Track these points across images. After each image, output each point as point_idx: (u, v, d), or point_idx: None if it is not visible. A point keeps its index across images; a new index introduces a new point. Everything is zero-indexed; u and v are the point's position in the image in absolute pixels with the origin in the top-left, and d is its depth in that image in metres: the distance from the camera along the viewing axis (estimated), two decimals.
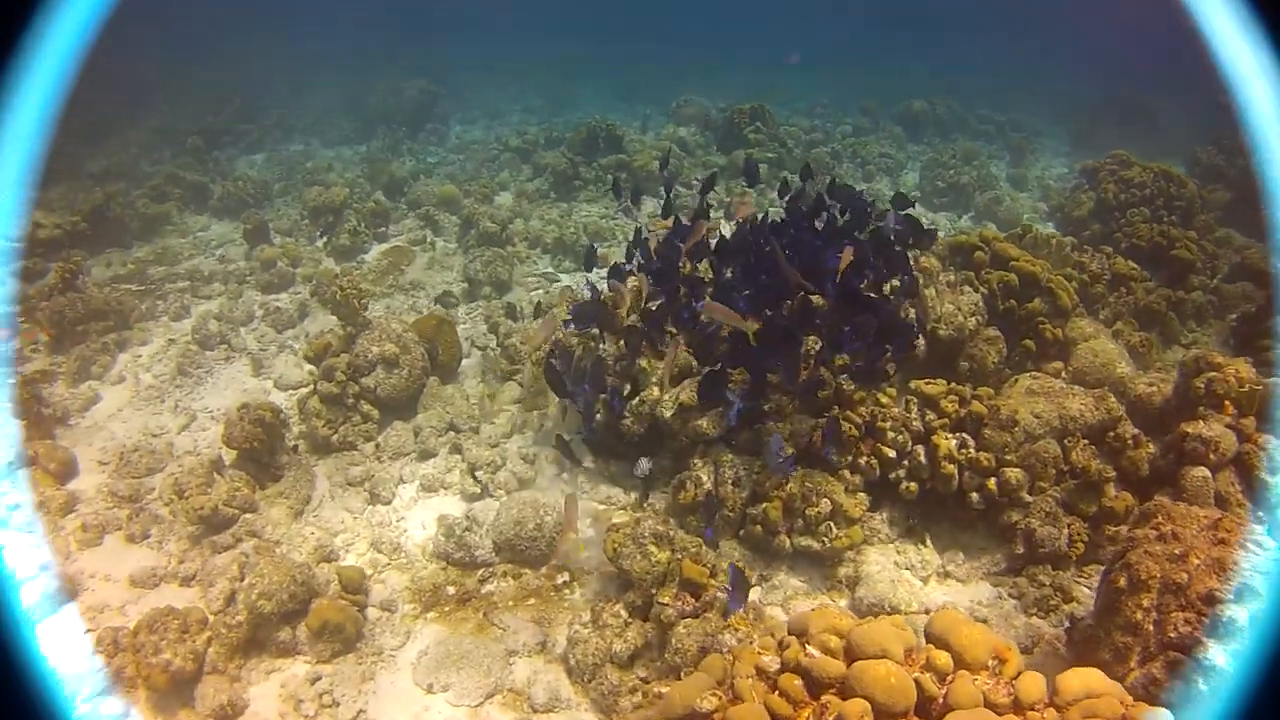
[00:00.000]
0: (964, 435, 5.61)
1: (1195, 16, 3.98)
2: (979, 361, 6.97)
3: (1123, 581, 4.24)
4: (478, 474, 6.51)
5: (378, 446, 6.96)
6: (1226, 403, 6.06)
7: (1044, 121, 19.48)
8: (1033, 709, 2.92)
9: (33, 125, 3.37)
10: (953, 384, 5.90)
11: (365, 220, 11.46)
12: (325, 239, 11.17)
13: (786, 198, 7.26)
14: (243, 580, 5.38)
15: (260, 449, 6.36)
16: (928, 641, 3.24)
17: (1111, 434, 6.13)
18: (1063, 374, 7.17)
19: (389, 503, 6.42)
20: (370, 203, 12.16)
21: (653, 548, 4.86)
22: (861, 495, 5.59)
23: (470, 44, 26.48)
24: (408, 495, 6.51)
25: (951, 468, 5.50)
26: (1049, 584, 5.58)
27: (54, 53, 3.24)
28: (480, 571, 5.72)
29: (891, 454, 5.64)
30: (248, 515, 6.10)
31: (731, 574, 4.47)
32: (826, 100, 20.96)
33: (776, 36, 29.33)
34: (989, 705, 2.90)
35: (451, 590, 5.59)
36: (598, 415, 6.45)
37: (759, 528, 5.44)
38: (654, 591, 4.80)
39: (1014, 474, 5.55)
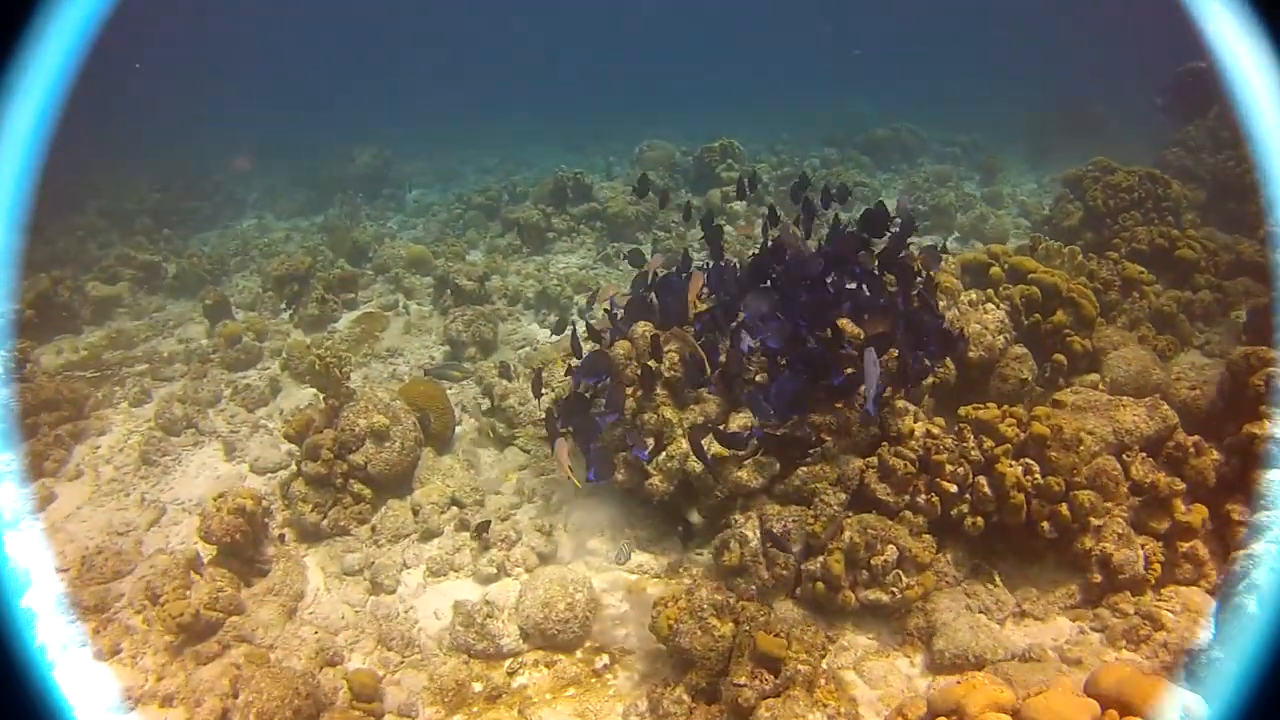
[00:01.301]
0: (1028, 460, 5.13)
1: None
2: (1012, 381, 6.56)
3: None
4: (487, 544, 5.89)
5: (374, 529, 6.27)
6: None
7: (998, 141, 19.46)
8: None
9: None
10: (1006, 407, 5.43)
11: (333, 288, 10.85)
12: (292, 310, 10.53)
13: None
14: (236, 697, 4.67)
15: (243, 542, 5.64)
16: (1102, 704, 2.70)
17: (1171, 444, 5.72)
18: (1100, 386, 6.79)
19: (393, 591, 5.72)
20: (336, 269, 11.58)
21: (714, 621, 4.26)
22: (928, 537, 5.07)
23: (414, 110, 26.26)
24: (414, 582, 5.81)
25: (1020, 496, 5.01)
26: (1133, 612, 5.10)
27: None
28: (508, 662, 5.05)
29: (953, 488, 5.13)
30: (234, 618, 5.36)
31: None
32: (786, 137, 20.93)
33: (719, 83, 29.73)
34: None
35: (478, 687, 4.91)
36: (618, 475, 5.87)
37: (820, 585, 4.87)
38: (719, 670, 4.19)
39: (1086, 496, 5.07)
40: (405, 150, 20.43)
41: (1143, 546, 5.29)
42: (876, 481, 5.24)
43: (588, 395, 5.87)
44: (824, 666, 4.27)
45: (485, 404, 7.79)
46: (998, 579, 5.29)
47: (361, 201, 16.63)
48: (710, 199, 14.03)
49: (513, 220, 13.77)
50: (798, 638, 4.18)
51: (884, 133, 18.16)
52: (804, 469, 5.29)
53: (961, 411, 5.47)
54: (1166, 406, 5.89)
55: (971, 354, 6.57)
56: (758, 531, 5.17)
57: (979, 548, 5.37)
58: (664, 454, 5.66)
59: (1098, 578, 5.20)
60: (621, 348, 6.22)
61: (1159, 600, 5.26)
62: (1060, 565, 5.34)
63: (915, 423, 5.49)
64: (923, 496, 5.17)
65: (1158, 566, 5.28)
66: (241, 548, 5.68)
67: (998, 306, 6.93)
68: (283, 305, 10.68)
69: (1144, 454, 5.72)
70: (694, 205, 10.80)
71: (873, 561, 4.84)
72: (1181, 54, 15.58)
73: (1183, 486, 5.41)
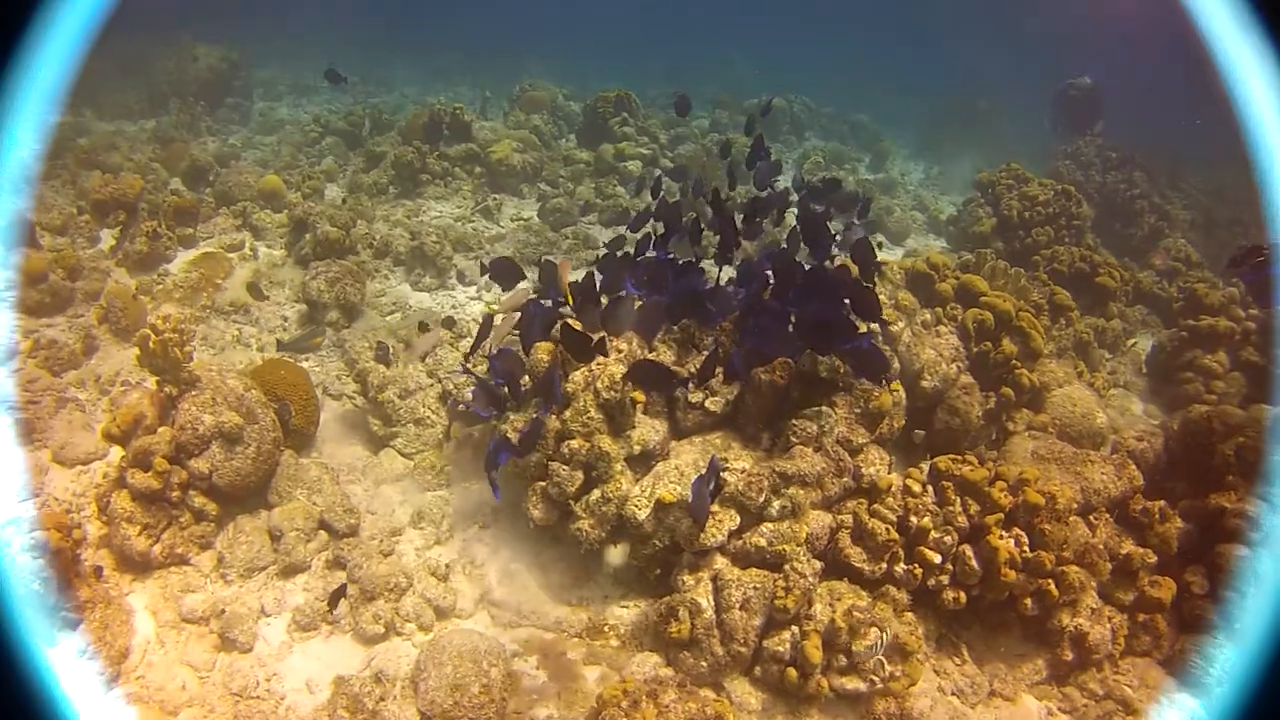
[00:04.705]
0: (1019, 532, 4.56)
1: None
2: (962, 416, 6.02)
3: None
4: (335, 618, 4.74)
5: (220, 559, 4.95)
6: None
7: (884, 124, 19.18)
8: None
9: None
10: (991, 465, 4.82)
11: (168, 219, 9.04)
12: (115, 243, 8.69)
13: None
14: None
15: (43, 590, 4.22)
16: None
17: (1137, 507, 5.34)
18: (1049, 428, 6.40)
19: (249, 650, 4.47)
20: (171, 195, 9.72)
21: None
22: (911, 617, 4.41)
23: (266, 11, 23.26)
24: (276, 637, 4.57)
25: (1013, 574, 4.42)
26: (1103, 693, 4.72)
27: None
28: None
29: (937, 559, 4.49)
30: None
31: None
32: (672, 92, 19.95)
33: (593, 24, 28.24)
34: None
35: None
36: (534, 511, 4.88)
37: (791, 670, 4.11)
38: None
39: (1076, 575, 4.57)
40: (254, 53, 17.91)
41: (1109, 620, 4.89)
42: (850, 545, 4.52)
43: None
44: None
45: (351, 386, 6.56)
46: (965, 653, 4.74)
47: (203, 111, 14.39)
48: (603, 153, 12.95)
49: (379, 154, 12.18)
50: None
51: (780, 102, 17.50)
52: (769, 525, 4.49)
53: (941, 465, 4.80)
54: (1134, 467, 5.50)
55: (925, 383, 6.00)
56: (712, 599, 4.34)
57: (945, 617, 4.79)
58: (598, 493, 4.71)
59: (1069, 655, 4.74)
60: (543, 351, 5.21)
61: (1117, 674, 4.91)
62: (1026, 637, 4.87)
63: (890, 474, 4.80)
64: (902, 566, 4.50)
65: (1122, 640, 4.91)
66: (41, 597, 4.25)
67: (949, 330, 6.39)
68: (99, 232, 8.80)
69: (1109, 517, 5.33)
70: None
71: (854, 646, 4.13)
72: (1073, 67, 15.90)
73: (1154, 559, 5.04)
